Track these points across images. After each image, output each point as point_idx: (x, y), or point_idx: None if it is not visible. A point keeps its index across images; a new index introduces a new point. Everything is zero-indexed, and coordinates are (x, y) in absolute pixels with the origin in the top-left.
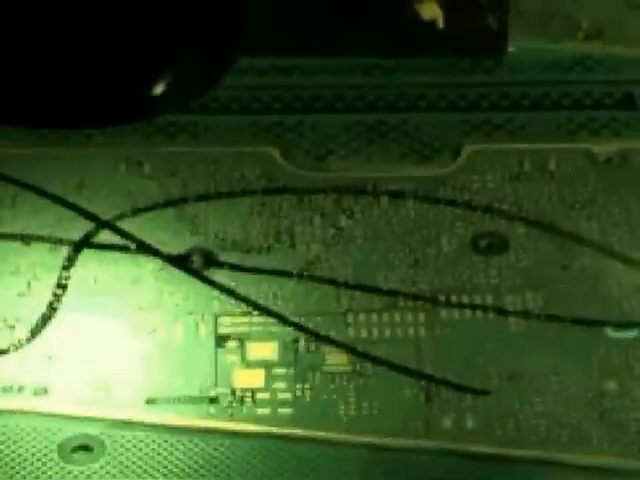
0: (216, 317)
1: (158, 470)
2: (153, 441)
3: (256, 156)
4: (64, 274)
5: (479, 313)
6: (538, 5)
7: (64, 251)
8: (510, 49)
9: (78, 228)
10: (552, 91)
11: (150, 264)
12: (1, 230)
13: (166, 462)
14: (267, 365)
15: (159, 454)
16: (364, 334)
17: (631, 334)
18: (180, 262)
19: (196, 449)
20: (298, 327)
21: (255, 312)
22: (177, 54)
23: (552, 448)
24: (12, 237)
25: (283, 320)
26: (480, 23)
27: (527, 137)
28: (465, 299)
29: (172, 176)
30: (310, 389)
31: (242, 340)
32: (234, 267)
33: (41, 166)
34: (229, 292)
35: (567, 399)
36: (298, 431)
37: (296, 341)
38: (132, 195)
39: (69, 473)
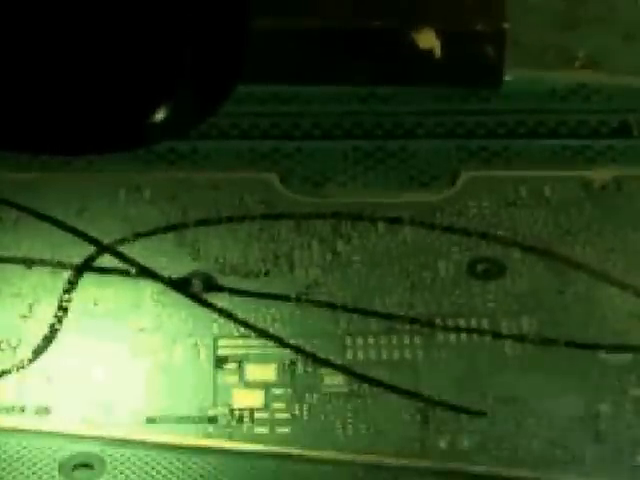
0: (215, 339)
1: None
2: (153, 459)
3: (255, 182)
4: (65, 297)
5: (475, 336)
6: (535, 35)
7: (65, 274)
8: (507, 78)
9: (79, 252)
10: (548, 119)
11: (150, 288)
12: (3, 254)
13: None
14: (265, 386)
15: (158, 472)
16: (361, 356)
17: (625, 358)
18: (180, 286)
19: (195, 467)
20: (296, 349)
21: (254, 335)
22: (177, 82)
23: (547, 469)
24: (14, 260)
25: (281, 343)
26: (477, 52)
27: (523, 164)
28: (462, 323)
29: (172, 201)
30: (308, 409)
31: (241, 362)
32: (233, 291)
33: (43, 191)
34: (228, 315)
35: (562, 421)
36: (296, 450)
37: (294, 363)
38: (132, 220)
39: None
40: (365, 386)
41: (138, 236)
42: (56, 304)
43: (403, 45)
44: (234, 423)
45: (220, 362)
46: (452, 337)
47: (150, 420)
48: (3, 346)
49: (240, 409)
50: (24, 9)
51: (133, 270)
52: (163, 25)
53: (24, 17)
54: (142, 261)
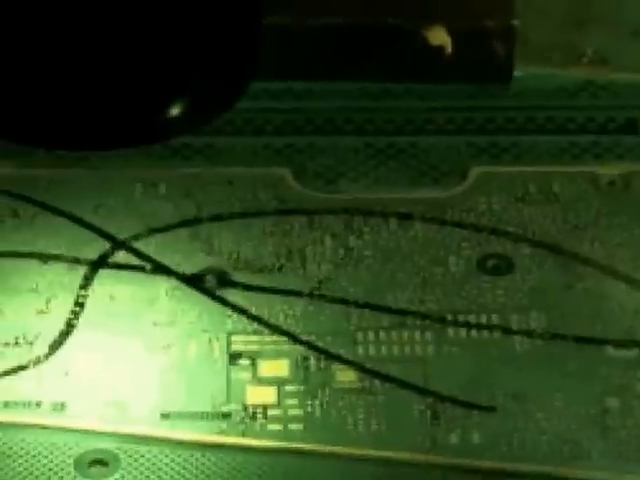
0: (229, 335)
1: None
2: (167, 456)
3: (269, 178)
4: (81, 293)
5: (485, 332)
6: (544, 32)
7: (81, 270)
8: (516, 75)
9: (95, 248)
10: (557, 116)
11: (165, 283)
12: (21, 249)
13: (179, 476)
14: (279, 382)
15: (172, 469)
16: (373, 352)
17: (632, 353)
18: (194, 282)
19: (209, 464)
20: (309, 345)
21: (267, 331)
22: (192, 78)
23: (555, 463)
24: (31, 256)
25: (294, 338)
26: (487, 49)
27: (532, 160)
28: (471, 318)
29: (187, 197)
30: (320, 406)
31: (254, 358)
32: (247, 287)
33: (59, 187)
34: (242, 311)
35: (570, 416)
36: (308, 446)
37: (307, 359)
38: (148, 216)
39: None
40: (376, 382)
41: (153, 232)
42: (72, 300)
43: (414, 42)
44: (247, 420)
45: (234, 358)
46: (462, 333)
47: (164, 416)
48: (20, 341)
49: (253, 405)
50: (44, 6)
51: (148, 266)
52: (178, 22)
53: (43, 13)
54: (157, 257)
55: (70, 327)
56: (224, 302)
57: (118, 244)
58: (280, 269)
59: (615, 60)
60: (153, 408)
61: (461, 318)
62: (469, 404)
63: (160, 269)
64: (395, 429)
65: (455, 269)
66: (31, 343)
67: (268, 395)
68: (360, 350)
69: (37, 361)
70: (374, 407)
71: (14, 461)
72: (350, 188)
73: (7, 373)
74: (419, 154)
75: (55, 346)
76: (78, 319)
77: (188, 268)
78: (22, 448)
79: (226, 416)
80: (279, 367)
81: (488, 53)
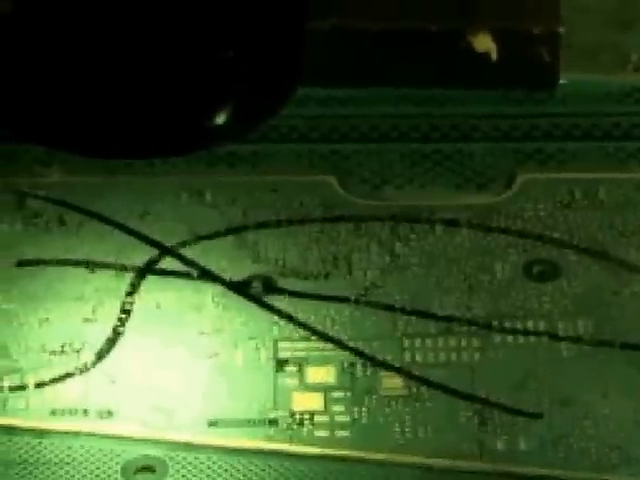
0: (276, 342)
1: None
2: (214, 462)
3: (314, 185)
4: (128, 300)
5: (532, 338)
6: (589, 38)
7: (128, 277)
8: (562, 81)
9: (141, 255)
10: (602, 122)
11: (211, 290)
12: (67, 257)
13: None
14: (325, 389)
15: (220, 475)
16: (419, 358)
17: None
18: (240, 288)
19: (256, 470)
20: (355, 352)
21: (313, 337)
22: (237, 85)
23: (602, 470)
24: (78, 264)
25: (341, 345)
26: (533, 56)
27: (578, 166)
28: (518, 325)
29: (233, 204)
30: (367, 412)
31: (301, 364)
32: (293, 293)
33: (106, 195)
34: (288, 318)
35: (617, 422)
36: (355, 453)
37: (353, 365)
38: (194, 223)
39: None
40: (423, 388)
41: (199, 239)
42: (119, 307)
43: (459, 48)
44: (295, 426)
45: (281, 365)
46: (509, 339)
47: (212, 423)
48: (66, 349)
49: (300, 412)
50: (88, 19)
51: (194, 273)
52: (223, 29)
53: (88, 23)
54: (203, 264)
55: (117, 334)
56: (270, 309)
57: (165, 251)
58: (326, 276)
59: None
60: (200, 415)
61: (507, 324)
62: (516, 410)
63: (206, 276)
64: (442, 435)
65: (501, 275)
66: (78, 350)
67: (315, 401)
68: (407, 356)
69: (84, 368)
70: (421, 413)
71: (61, 468)
72: (396, 194)
73: (54, 381)
74: (465, 160)
75: (102, 353)
76: (125, 326)
77: (234, 275)
78: (69, 455)
79: (273, 422)
80: (326, 373)
81: (534, 59)
